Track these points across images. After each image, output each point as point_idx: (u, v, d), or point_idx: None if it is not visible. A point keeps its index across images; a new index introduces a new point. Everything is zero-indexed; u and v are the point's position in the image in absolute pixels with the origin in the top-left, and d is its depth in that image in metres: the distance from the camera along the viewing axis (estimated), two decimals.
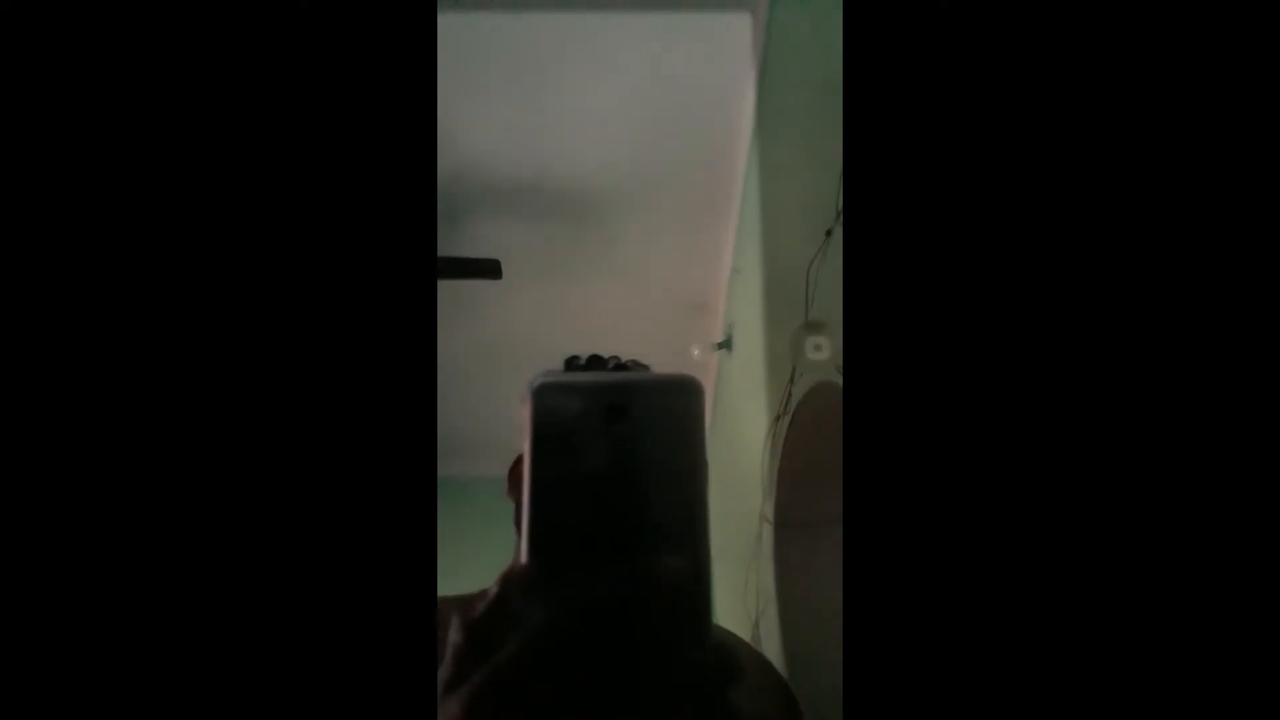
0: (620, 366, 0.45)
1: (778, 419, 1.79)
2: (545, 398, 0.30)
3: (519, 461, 0.38)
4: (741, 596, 2.17)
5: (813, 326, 1.39)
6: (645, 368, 0.43)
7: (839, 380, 1.35)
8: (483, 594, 0.29)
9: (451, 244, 2.31)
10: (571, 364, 0.46)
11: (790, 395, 1.68)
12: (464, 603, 0.29)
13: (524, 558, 0.29)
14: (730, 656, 0.29)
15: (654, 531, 0.29)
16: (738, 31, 1.95)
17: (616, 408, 0.30)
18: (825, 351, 1.31)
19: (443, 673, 0.28)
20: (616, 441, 0.30)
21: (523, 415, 0.30)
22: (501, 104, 2.15)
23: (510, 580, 0.29)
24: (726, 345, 2.70)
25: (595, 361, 0.45)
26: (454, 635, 0.28)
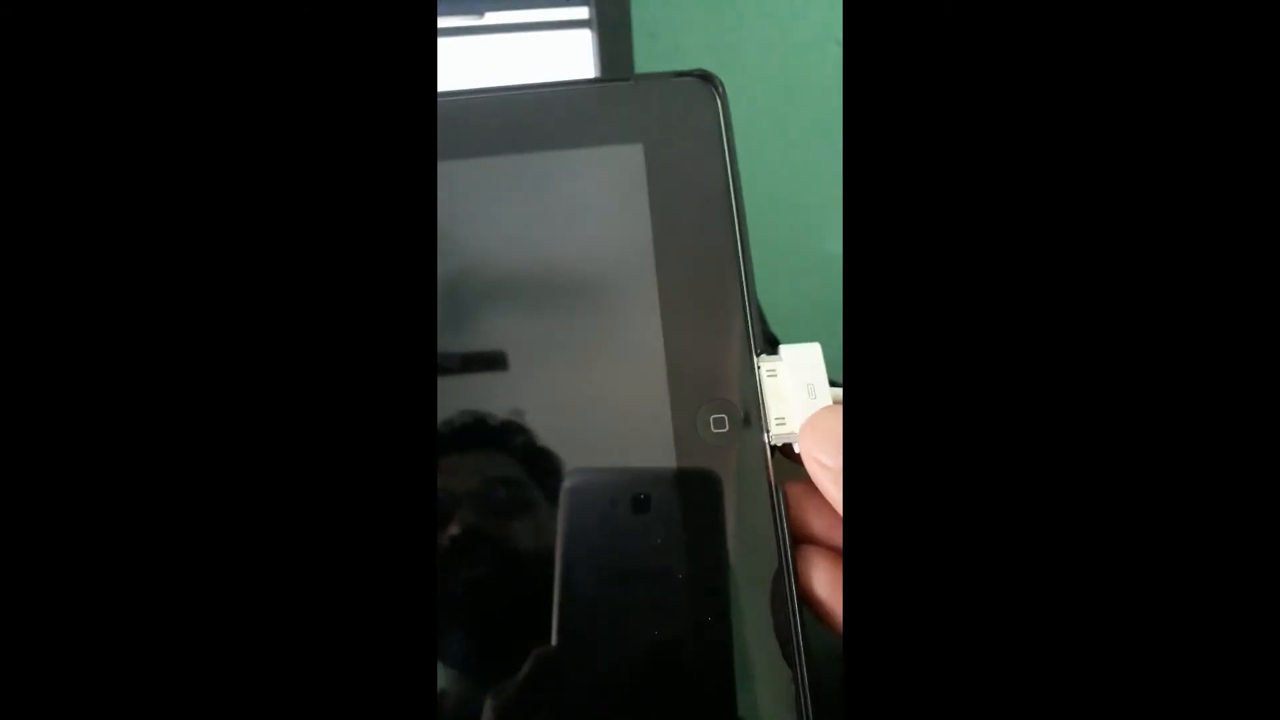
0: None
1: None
2: (578, 495, 0.32)
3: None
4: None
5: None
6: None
7: None
8: (513, 675, 0.28)
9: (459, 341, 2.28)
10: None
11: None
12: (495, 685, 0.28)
13: (554, 639, 0.29)
14: None
15: (685, 609, 0.30)
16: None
17: (640, 497, 0.32)
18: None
19: None
20: (643, 528, 0.31)
21: (555, 513, 0.32)
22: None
23: (544, 659, 0.28)
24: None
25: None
26: (486, 717, 0.27)
